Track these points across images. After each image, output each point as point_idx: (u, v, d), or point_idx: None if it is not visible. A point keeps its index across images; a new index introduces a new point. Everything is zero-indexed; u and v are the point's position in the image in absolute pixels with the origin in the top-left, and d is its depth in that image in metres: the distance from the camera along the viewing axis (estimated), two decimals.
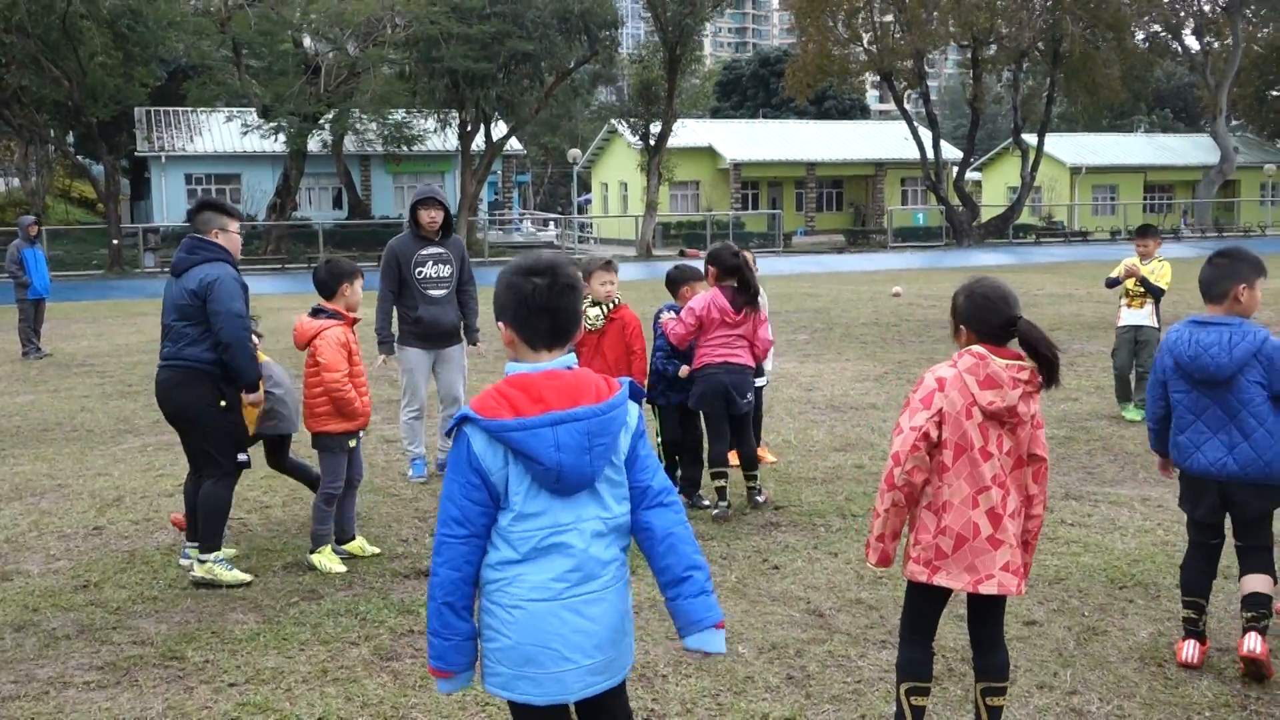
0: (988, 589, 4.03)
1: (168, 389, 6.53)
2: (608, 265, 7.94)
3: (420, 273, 8.75)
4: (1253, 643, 4.87)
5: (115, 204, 41.41)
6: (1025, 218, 55.12)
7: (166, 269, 7.51)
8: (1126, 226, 54.29)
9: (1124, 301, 11.07)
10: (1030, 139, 51.14)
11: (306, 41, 41.46)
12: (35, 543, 7.41)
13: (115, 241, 39.83)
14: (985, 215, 53.49)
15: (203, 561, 6.52)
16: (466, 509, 3.12)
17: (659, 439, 8.06)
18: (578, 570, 3.13)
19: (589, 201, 67.48)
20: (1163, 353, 5.14)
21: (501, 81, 39.62)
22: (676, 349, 7.88)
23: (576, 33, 40.12)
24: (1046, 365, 3.98)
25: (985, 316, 4.05)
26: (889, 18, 48.85)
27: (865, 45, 49.53)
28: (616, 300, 7.90)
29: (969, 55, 50.90)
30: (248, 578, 6.54)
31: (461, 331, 9.09)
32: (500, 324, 3.21)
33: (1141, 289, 10.89)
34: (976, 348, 4.05)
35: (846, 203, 61.90)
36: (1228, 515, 5.13)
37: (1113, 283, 11.12)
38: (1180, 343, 5.02)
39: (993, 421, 4.02)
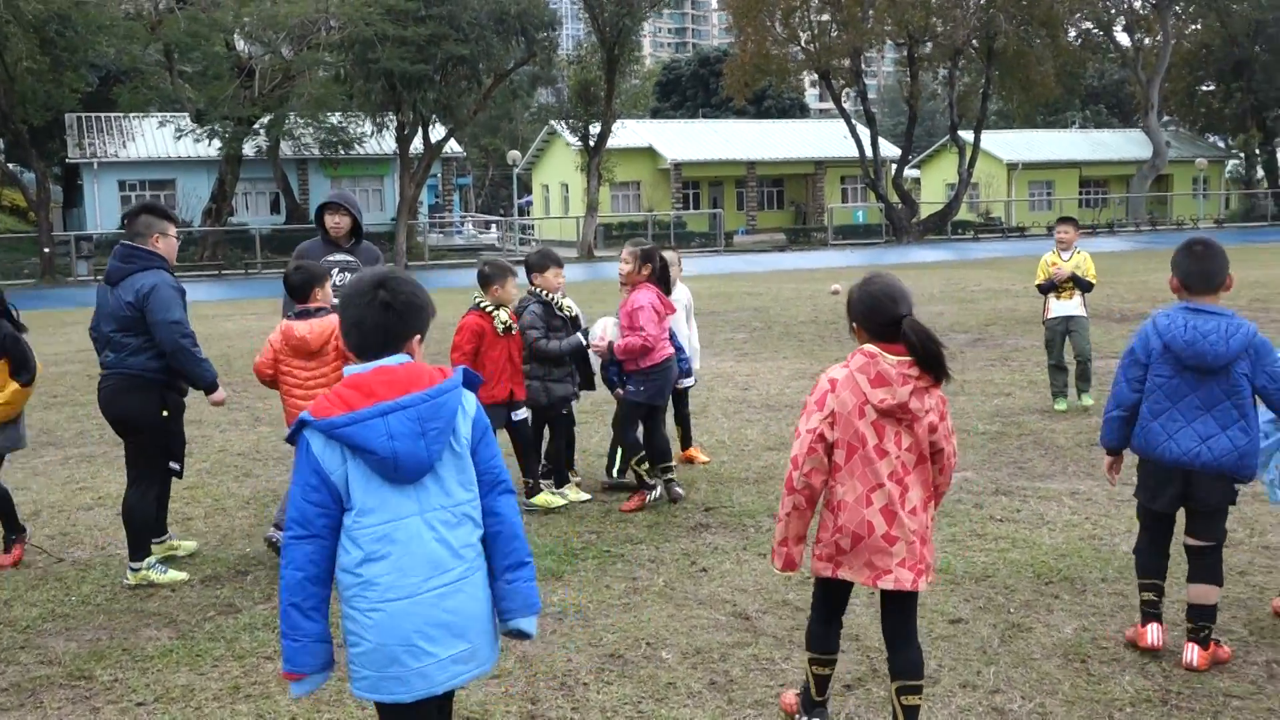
0: (885, 584, 4.10)
1: (111, 396, 6.56)
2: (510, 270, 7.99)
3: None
4: (1191, 655, 4.93)
5: (46, 212, 40.73)
6: (963, 214, 55.56)
7: (100, 277, 7.42)
8: None
9: (1052, 293, 11.08)
10: (967, 136, 51.58)
11: (240, 45, 41.01)
12: None
13: (47, 250, 39.16)
14: (924, 212, 53.92)
15: (135, 570, 6.55)
16: (305, 510, 3.20)
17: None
18: (428, 563, 3.20)
19: (530, 203, 67.25)
20: (1148, 336, 5.02)
21: (439, 84, 39.34)
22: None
23: (513, 34, 39.92)
24: (929, 362, 4.00)
25: (874, 314, 4.11)
26: (825, 16, 49.09)
27: (803, 44, 49.75)
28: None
29: (905, 53, 51.28)
30: (184, 576, 6.60)
31: None
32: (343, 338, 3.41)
33: (1071, 282, 10.96)
34: (868, 346, 4.11)
35: (787, 201, 62.11)
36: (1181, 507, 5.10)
37: (1046, 288, 11.14)
38: (1175, 327, 4.93)
39: (888, 419, 4.06)
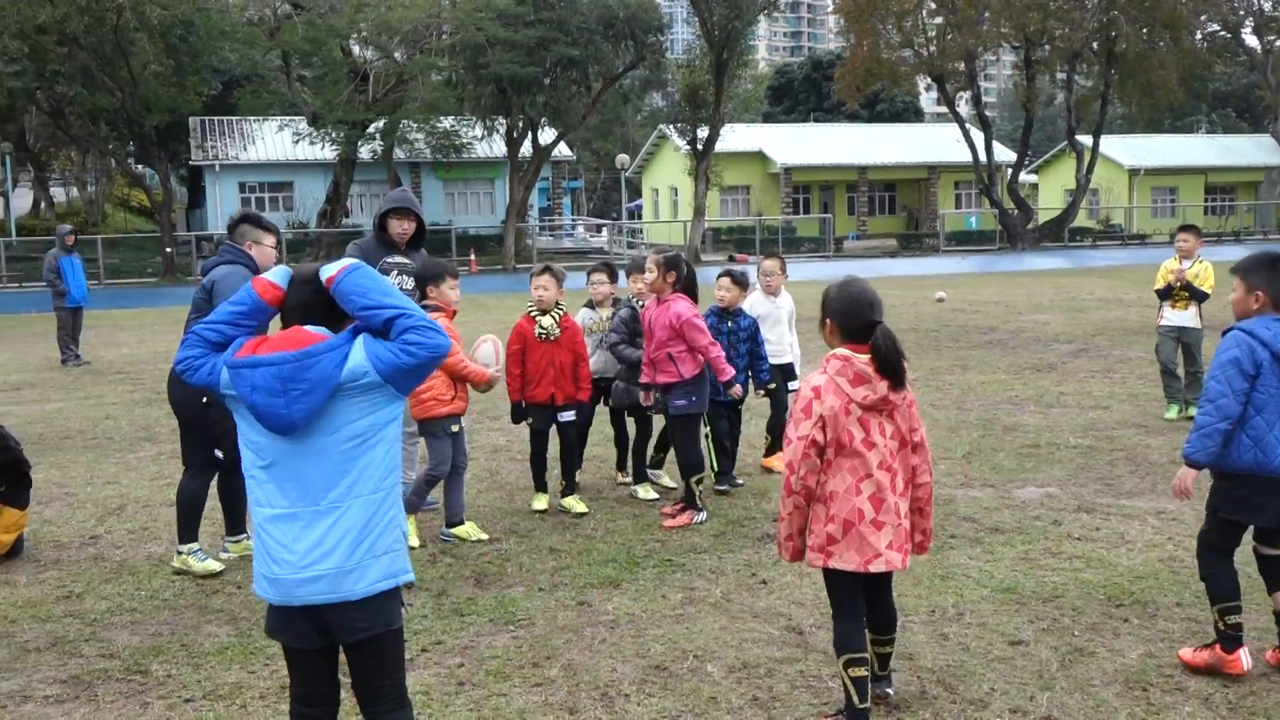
0: (876, 567, 4.39)
1: (168, 384, 6.85)
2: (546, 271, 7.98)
3: None
4: None
5: (170, 212, 41.97)
6: (1082, 220, 54.25)
7: None
8: None
9: (1168, 302, 10.98)
10: (1086, 140, 50.35)
11: (355, 50, 41.78)
12: (30, 552, 7.40)
13: (169, 249, 40.32)
14: (1041, 218, 52.74)
15: (179, 553, 6.77)
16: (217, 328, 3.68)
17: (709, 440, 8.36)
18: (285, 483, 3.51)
19: (639, 207, 67.37)
20: (1252, 348, 4.83)
21: (548, 88, 39.63)
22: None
23: (622, 38, 40.02)
24: (891, 370, 4.32)
25: (851, 316, 4.40)
26: (940, 20, 48.32)
27: (916, 48, 49.03)
28: (564, 309, 7.93)
29: (1022, 56, 50.22)
30: (219, 566, 6.76)
31: None
32: None
33: (1186, 292, 10.78)
34: (841, 350, 4.40)
35: (899, 206, 61.32)
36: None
37: (1165, 293, 10.99)
38: None
39: (871, 413, 4.37)
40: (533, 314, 7.76)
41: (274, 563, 3.51)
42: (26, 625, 6.04)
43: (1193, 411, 10.55)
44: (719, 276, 8.45)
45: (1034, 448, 9.73)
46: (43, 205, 58.61)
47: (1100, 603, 5.93)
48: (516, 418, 7.99)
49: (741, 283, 8.41)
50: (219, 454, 6.83)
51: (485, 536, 7.32)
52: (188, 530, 6.81)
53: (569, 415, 7.89)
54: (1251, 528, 5.05)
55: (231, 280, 6.51)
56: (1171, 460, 9.14)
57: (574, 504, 7.98)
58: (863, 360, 4.35)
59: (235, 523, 7.20)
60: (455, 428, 7.24)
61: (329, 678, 3.69)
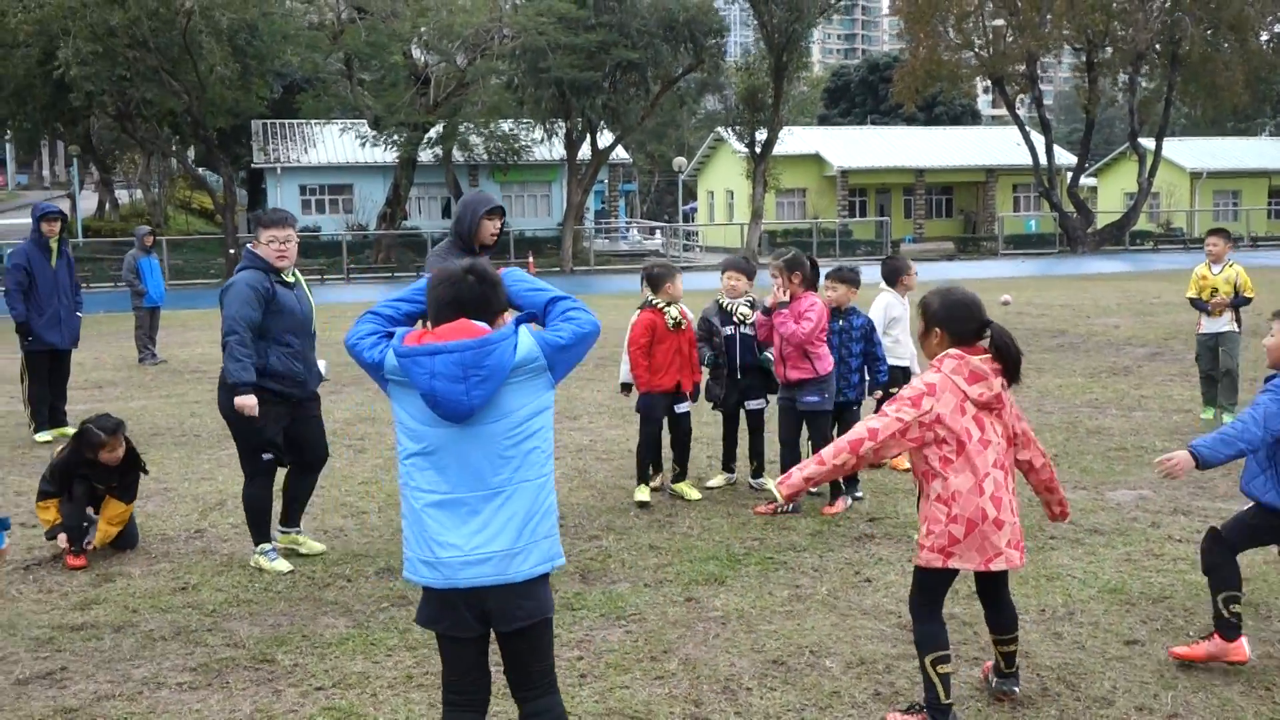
0: (998, 565, 4.47)
1: (218, 391, 6.94)
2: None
3: None
4: None
5: (232, 214, 42.48)
6: (1143, 224, 53.68)
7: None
8: (1249, 233, 52.67)
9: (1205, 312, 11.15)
10: (1148, 143, 49.82)
11: (416, 53, 42.14)
12: (141, 548, 7.56)
13: (232, 251, 40.77)
14: (1101, 221, 52.25)
15: (255, 553, 6.98)
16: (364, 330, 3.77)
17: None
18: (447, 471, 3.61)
19: (695, 209, 67.41)
20: None
21: (607, 90, 39.80)
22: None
23: (682, 41, 40.11)
24: (1013, 365, 4.44)
25: (962, 320, 4.50)
26: (1000, 21, 47.99)
27: (976, 50, 48.73)
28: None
29: (1084, 58, 49.78)
30: (288, 566, 6.90)
31: None
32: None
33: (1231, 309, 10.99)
34: (953, 350, 4.48)
35: (956, 209, 60.97)
36: None
37: (1200, 305, 11.14)
38: None
39: (984, 411, 4.46)
40: (659, 305, 8.05)
41: (437, 546, 3.60)
42: (149, 615, 6.20)
43: (1226, 419, 10.61)
44: (826, 276, 8.48)
45: (1121, 450, 9.71)
46: (107, 207, 59.57)
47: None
48: (650, 407, 8.19)
49: (849, 280, 8.41)
50: (267, 457, 6.90)
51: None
52: (260, 532, 7.00)
53: (685, 406, 8.22)
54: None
55: (239, 286, 6.65)
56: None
57: (688, 490, 8.31)
58: (977, 359, 4.43)
59: (292, 516, 7.30)
60: None
61: (482, 666, 3.77)
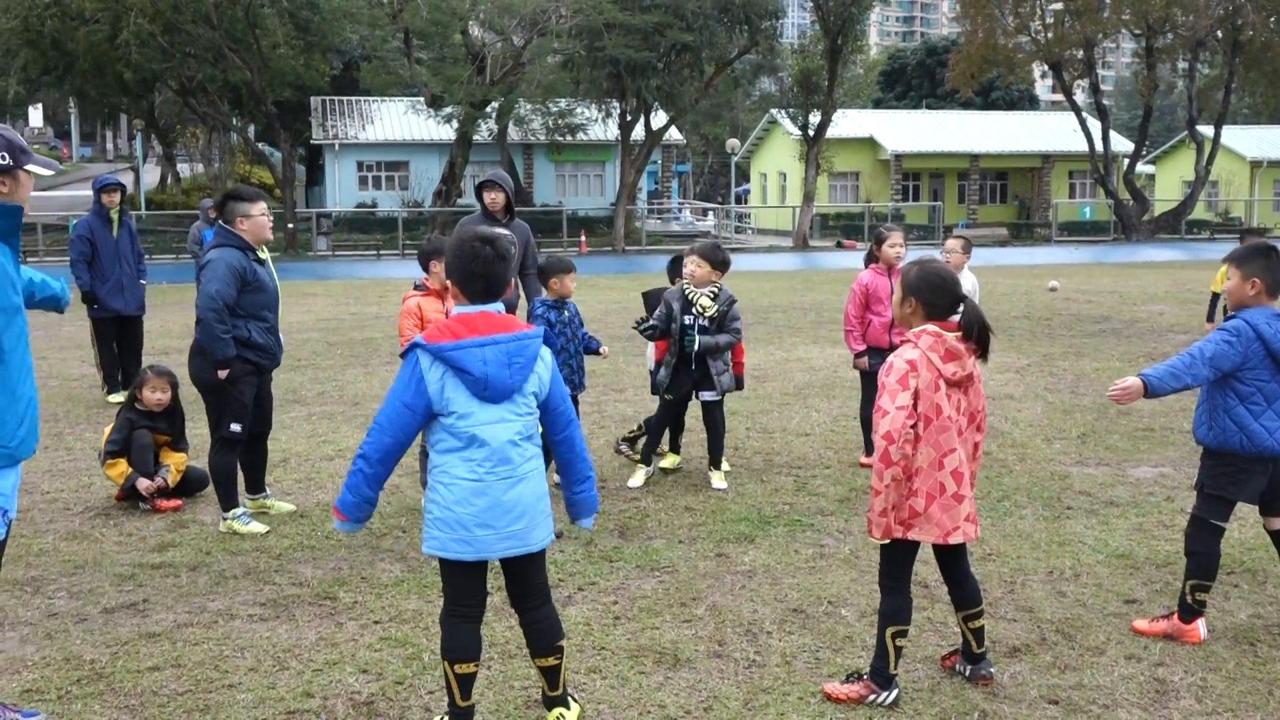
0: (955, 539, 4.64)
1: (188, 359, 7.31)
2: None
3: None
4: None
5: (291, 189, 43.30)
6: (1200, 213, 53.37)
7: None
8: None
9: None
10: (1207, 131, 49.44)
11: (474, 31, 42.63)
12: (210, 495, 8.09)
13: (290, 225, 41.62)
14: (1158, 210, 51.95)
15: (224, 519, 7.28)
16: (398, 413, 4.10)
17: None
18: (500, 459, 4.12)
19: (747, 191, 67.60)
20: (1248, 339, 5.15)
21: (662, 71, 40.13)
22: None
23: (737, 23, 40.38)
24: (982, 341, 4.55)
25: (938, 293, 4.61)
26: (1059, 6, 47.78)
27: (1033, 34, 48.55)
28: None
29: (1143, 44, 49.45)
30: (264, 527, 7.23)
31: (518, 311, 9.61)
32: (449, 280, 4.22)
33: None
34: (930, 327, 4.59)
35: (1011, 195, 60.76)
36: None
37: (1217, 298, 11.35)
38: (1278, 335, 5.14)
39: (954, 388, 4.59)
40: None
41: (477, 527, 4.15)
42: (221, 557, 6.73)
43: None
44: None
45: (1148, 431, 10.01)
46: (169, 180, 60.77)
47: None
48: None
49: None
50: (236, 428, 7.17)
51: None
52: (230, 499, 7.28)
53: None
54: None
55: (218, 264, 6.94)
56: None
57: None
58: (953, 338, 4.54)
59: (256, 482, 7.68)
60: None
61: (485, 583, 4.41)
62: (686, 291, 8.15)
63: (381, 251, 42.67)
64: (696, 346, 8.08)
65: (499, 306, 4.21)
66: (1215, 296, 11.61)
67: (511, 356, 4.10)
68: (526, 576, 4.36)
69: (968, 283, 9.65)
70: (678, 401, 8.40)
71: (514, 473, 4.15)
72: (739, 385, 8.56)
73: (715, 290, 8.14)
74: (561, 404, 4.31)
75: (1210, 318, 11.58)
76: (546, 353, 4.26)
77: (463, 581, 4.28)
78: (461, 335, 4.09)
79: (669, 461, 8.76)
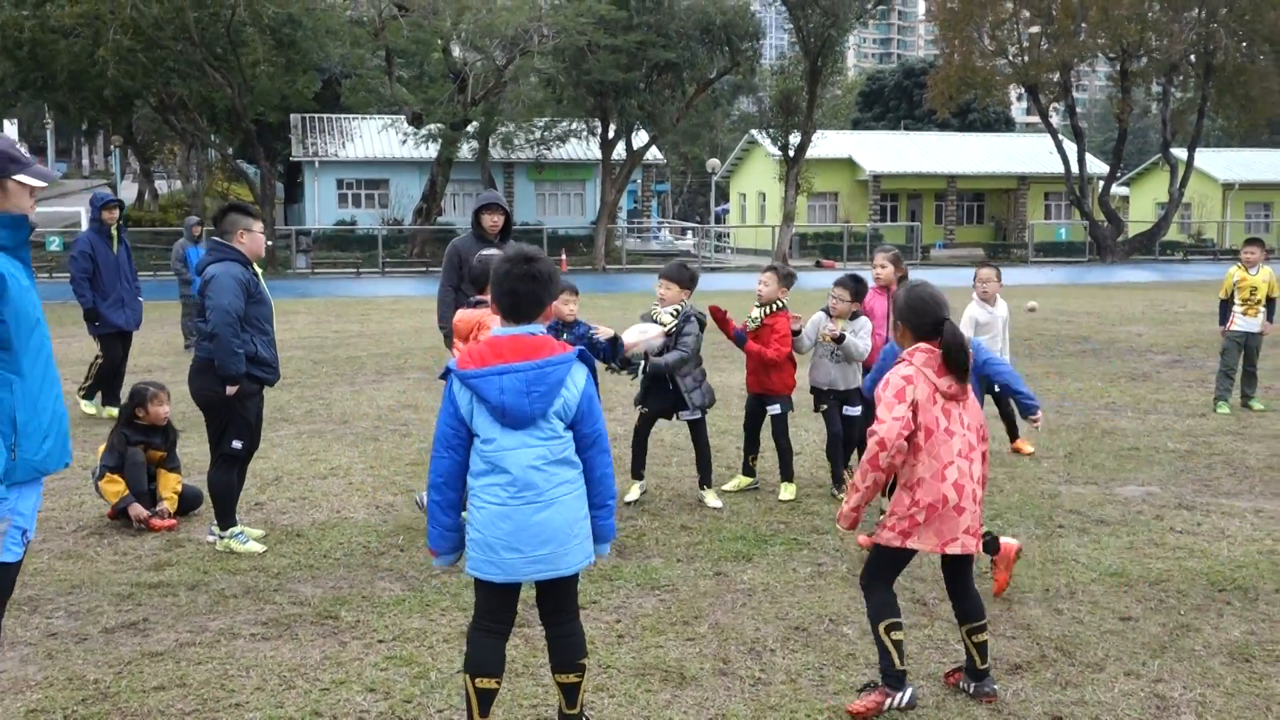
0: (953, 550, 4.76)
1: (189, 376, 7.29)
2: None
3: None
4: None
5: (271, 207, 43.20)
6: (1173, 234, 53.84)
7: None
8: None
9: (1239, 309, 12.14)
10: (1180, 154, 49.93)
11: (455, 51, 42.72)
12: (205, 514, 8.09)
13: (269, 243, 41.52)
14: (1132, 231, 52.38)
15: (222, 538, 7.24)
16: (445, 432, 4.20)
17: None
18: (523, 484, 4.13)
19: (726, 211, 67.83)
20: None
21: (644, 91, 40.31)
22: None
23: (718, 44, 40.61)
24: (956, 365, 4.72)
25: (921, 315, 4.82)
26: (1035, 29, 48.22)
27: (1010, 57, 48.97)
28: (782, 302, 8.41)
29: (1118, 68, 49.94)
30: (261, 548, 7.19)
31: None
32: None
33: (1258, 298, 12.02)
34: (923, 344, 4.81)
35: (987, 216, 61.14)
36: None
37: (1229, 303, 12.27)
38: None
39: (951, 402, 4.77)
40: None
41: (504, 550, 4.16)
42: (219, 575, 6.73)
43: (1256, 406, 12.06)
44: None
45: (1134, 450, 10.12)
46: (146, 197, 60.53)
47: (1204, 587, 6.37)
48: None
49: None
50: (238, 444, 7.17)
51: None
52: (227, 517, 7.24)
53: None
54: None
55: (224, 279, 6.88)
56: (1268, 465, 9.49)
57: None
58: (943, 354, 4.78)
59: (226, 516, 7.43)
60: None
61: (516, 601, 4.42)
62: (652, 312, 8.27)
63: (361, 270, 42.61)
64: (645, 366, 8.16)
65: (536, 328, 4.22)
66: (1224, 304, 12.26)
67: (531, 385, 4.11)
68: (557, 595, 4.38)
69: (1001, 310, 9.85)
70: (646, 416, 8.42)
71: (539, 497, 4.15)
72: (713, 400, 8.41)
73: (677, 309, 8.15)
74: (586, 427, 4.26)
75: (1222, 322, 12.26)
76: (580, 374, 4.23)
77: (493, 600, 4.31)
78: (487, 361, 4.13)
79: (735, 484, 8.77)
